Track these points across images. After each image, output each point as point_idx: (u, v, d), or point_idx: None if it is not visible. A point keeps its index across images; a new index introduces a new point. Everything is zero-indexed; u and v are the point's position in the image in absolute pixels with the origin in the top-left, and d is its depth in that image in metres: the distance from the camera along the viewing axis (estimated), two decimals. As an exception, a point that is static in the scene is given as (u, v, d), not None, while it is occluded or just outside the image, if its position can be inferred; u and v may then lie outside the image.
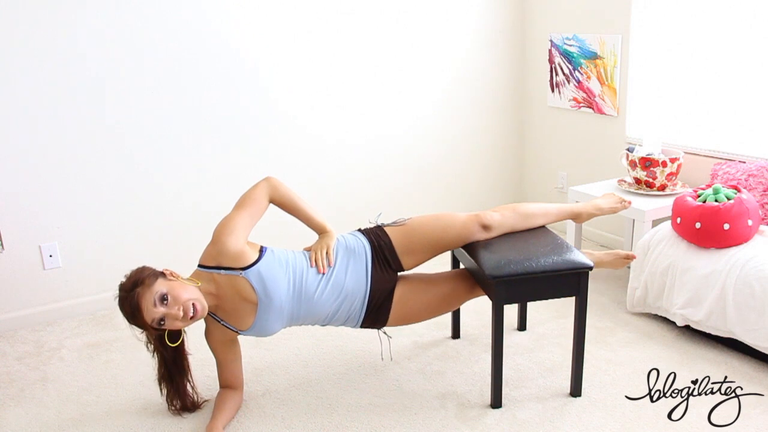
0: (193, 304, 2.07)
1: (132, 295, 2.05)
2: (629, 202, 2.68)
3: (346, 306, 2.29)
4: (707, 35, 3.20)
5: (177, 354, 2.27)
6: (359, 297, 2.29)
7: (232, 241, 2.15)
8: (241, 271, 2.15)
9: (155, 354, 2.25)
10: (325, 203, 3.63)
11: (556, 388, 2.46)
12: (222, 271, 2.16)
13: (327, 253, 2.28)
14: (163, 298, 2.05)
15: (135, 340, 2.85)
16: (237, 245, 2.15)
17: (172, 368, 2.29)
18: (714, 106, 3.24)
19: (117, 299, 2.10)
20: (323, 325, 2.36)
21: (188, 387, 2.35)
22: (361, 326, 2.38)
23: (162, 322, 2.06)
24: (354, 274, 2.28)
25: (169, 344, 2.20)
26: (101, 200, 3.19)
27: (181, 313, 2.05)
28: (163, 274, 2.14)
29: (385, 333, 2.56)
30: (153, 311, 2.04)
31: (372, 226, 2.45)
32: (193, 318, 2.08)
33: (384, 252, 2.33)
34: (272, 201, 2.31)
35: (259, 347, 2.82)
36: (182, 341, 2.26)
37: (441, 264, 3.01)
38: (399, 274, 2.43)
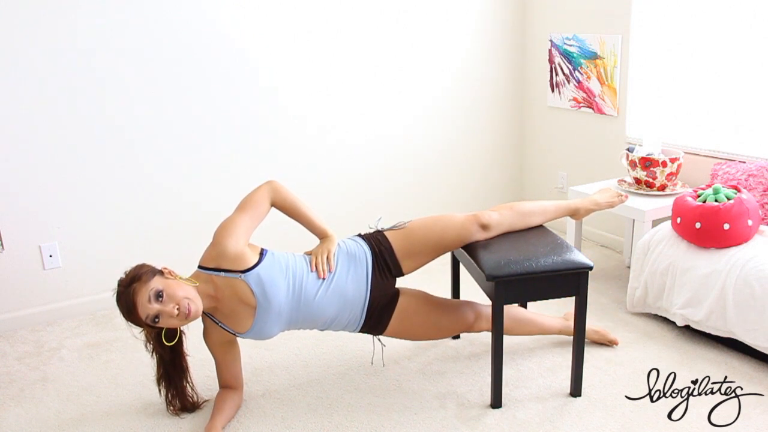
0: (188, 303, 2.07)
1: (128, 291, 2.06)
2: (626, 197, 2.70)
3: (345, 311, 2.29)
4: (707, 35, 3.20)
5: (175, 354, 2.27)
6: (359, 303, 2.29)
7: (232, 243, 2.15)
8: (240, 274, 2.15)
9: (154, 354, 2.25)
10: (325, 203, 3.63)
11: (556, 388, 2.46)
12: (221, 273, 2.16)
13: (327, 258, 2.28)
14: (158, 295, 2.05)
15: (135, 340, 2.86)
16: (237, 247, 2.15)
17: (170, 368, 2.29)
18: (714, 106, 3.24)
19: (114, 294, 2.11)
20: (322, 330, 2.36)
21: (187, 387, 2.35)
22: (360, 331, 2.39)
23: (156, 319, 2.06)
24: (354, 279, 2.28)
25: (166, 343, 2.21)
26: (101, 200, 3.19)
27: (176, 311, 2.05)
28: (161, 272, 2.14)
29: (379, 340, 2.56)
30: (148, 307, 2.04)
31: (372, 231, 2.45)
32: (187, 317, 2.08)
33: (384, 257, 2.33)
34: (274, 204, 2.31)
35: (259, 347, 2.82)
36: (180, 341, 2.26)
37: (441, 264, 3.01)
38: (405, 287, 2.44)
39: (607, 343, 2.70)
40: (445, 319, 2.43)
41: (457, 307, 2.49)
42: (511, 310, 2.58)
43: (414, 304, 2.40)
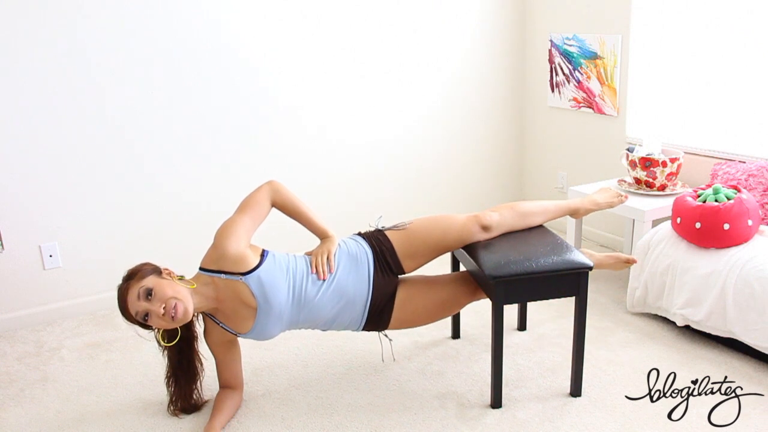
0: (175, 304, 2.06)
1: (123, 287, 2.09)
2: (626, 196, 2.69)
3: (347, 312, 2.28)
4: (707, 35, 3.20)
5: (182, 356, 2.28)
6: (360, 303, 2.29)
7: (233, 245, 2.15)
8: (241, 276, 2.15)
9: (165, 351, 2.27)
10: (325, 203, 3.62)
11: (556, 388, 2.46)
12: (222, 275, 2.16)
13: (328, 258, 2.28)
14: (148, 293, 2.05)
15: (135, 340, 2.87)
16: (238, 249, 2.15)
17: (177, 369, 2.30)
18: (714, 106, 3.24)
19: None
20: (324, 330, 2.36)
21: (194, 392, 2.36)
22: (363, 329, 2.39)
23: (146, 318, 2.07)
24: (355, 280, 2.27)
25: (164, 344, 2.21)
26: (101, 200, 3.19)
27: (162, 311, 2.04)
28: (159, 272, 2.14)
29: (386, 335, 2.56)
30: (136, 304, 2.06)
31: (372, 230, 2.45)
32: (174, 318, 2.06)
33: (386, 257, 2.33)
34: (274, 205, 2.31)
35: (259, 347, 2.82)
36: (189, 345, 2.27)
37: (441, 264, 3.01)
38: (400, 276, 2.43)
39: (626, 264, 2.55)
40: (445, 293, 2.42)
41: (456, 279, 2.48)
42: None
43: (411, 290, 2.39)
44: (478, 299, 2.50)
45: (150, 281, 2.08)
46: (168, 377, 2.32)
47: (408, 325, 2.42)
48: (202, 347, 2.39)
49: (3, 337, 3.06)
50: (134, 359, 2.79)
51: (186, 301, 2.08)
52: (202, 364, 2.35)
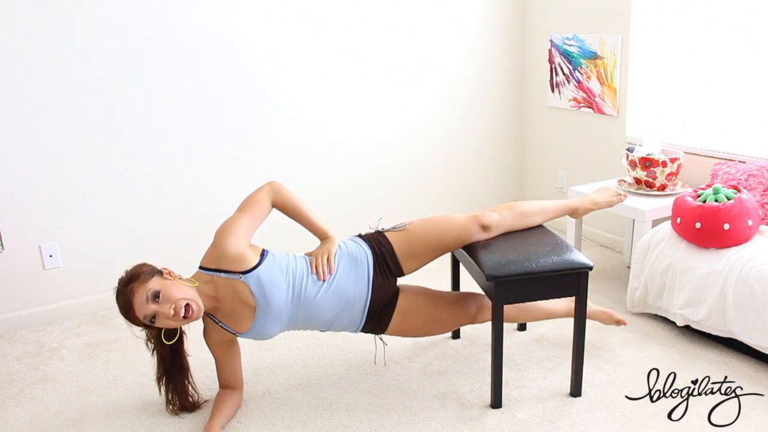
0: (187, 303, 2.08)
1: (126, 291, 2.08)
2: (625, 196, 2.71)
3: (346, 313, 2.29)
4: (707, 35, 3.20)
5: (175, 353, 2.28)
6: (360, 304, 2.29)
7: (233, 244, 2.15)
8: (240, 275, 2.15)
9: (154, 352, 2.26)
10: (325, 203, 3.62)
11: (556, 388, 2.46)
12: (222, 274, 2.16)
13: (328, 259, 2.28)
14: (155, 296, 2.06)
15: (135, 340, 2.87)
16: (238, 248, 2.15)
17: (170, 367, 2.30)
18: (714, 106, 3.24)
19: (114, 293, 2.13)
20: (323, 331, 2.36)
21: (188, 387, 2.35)
22: (361, 331, 2.39)
23: (153, 320, 2.07)
24: (355, 281, 2.28)
25: (165, 342, 2.21)
26: (101, 200, 3.19)
27: (172, 312, 2.06)
28: (160, 273, 2.14)
29: (381, 339, 2.56)
30: (144, 308, 2.05)
31: (372, 231, 2.45)
32: (186, 318, 2.08)
33: (385, 258, 2.33)
34: (275, 205, 2.31)
35: (259, 347, 2.82)
36: (180, 341, 2.27)
37: (441, 265, 3.01)
38: (404, 284, 2.44)
39: (615, 324, 2.62)
40: (446, 313, 2.43)
41: (458, 300, 2.48)
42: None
43: (414, 301, 2.40)
44: (480, 322, 2.51)
45: (156, 284, 2.08)
46: (159, 377, 2.32)
47: (405, 334, 2.43)
48: (203, 346, 2.40)
49: (3, 337, 3.06)
50: (134, 359, 2.79)
51: (197, 300, 2.11)
52: (186, 360, 2.35)
